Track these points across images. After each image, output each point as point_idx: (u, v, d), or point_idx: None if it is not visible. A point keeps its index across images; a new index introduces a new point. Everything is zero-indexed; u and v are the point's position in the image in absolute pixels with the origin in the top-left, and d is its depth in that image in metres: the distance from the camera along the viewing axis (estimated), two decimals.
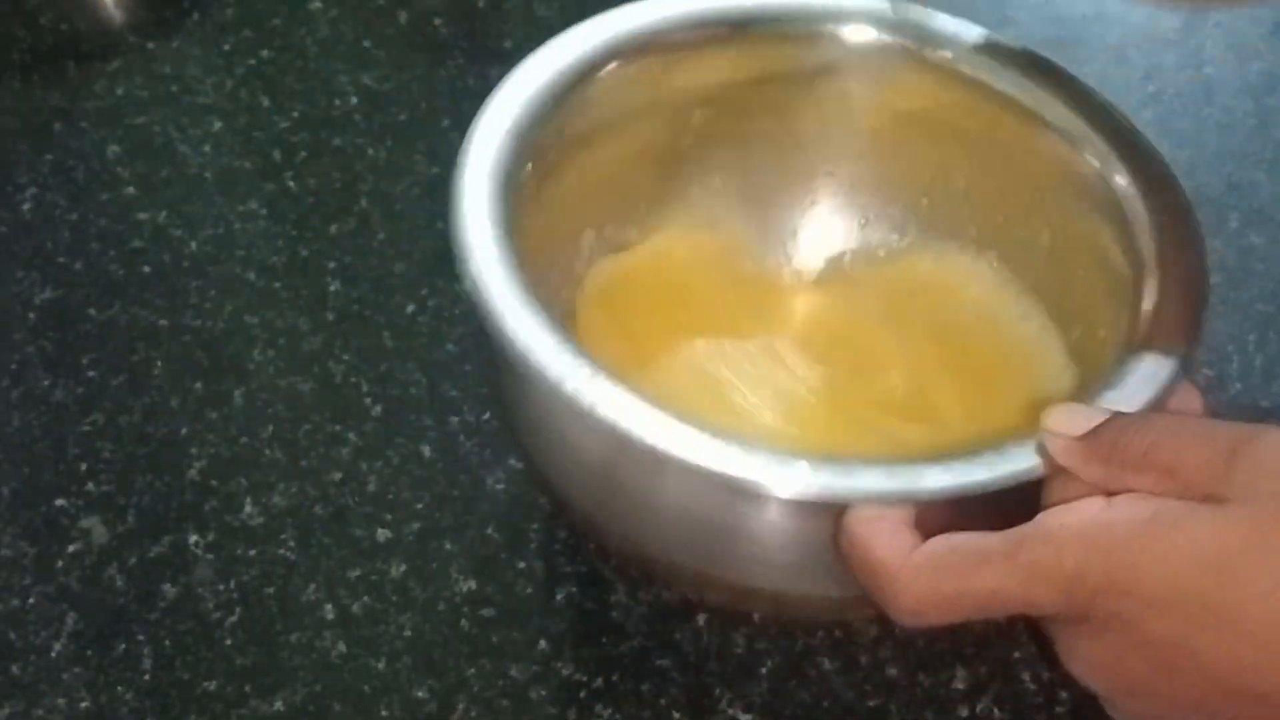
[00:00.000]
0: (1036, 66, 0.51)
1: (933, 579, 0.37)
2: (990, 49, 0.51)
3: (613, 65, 0.51)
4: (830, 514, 0.40)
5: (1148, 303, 0.44)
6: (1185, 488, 0.35)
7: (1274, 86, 0.64)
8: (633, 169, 0.54)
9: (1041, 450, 0.39)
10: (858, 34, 0.52)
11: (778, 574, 0.44)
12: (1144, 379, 0.41)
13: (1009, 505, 0.39)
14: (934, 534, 0.38)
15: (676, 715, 0.49)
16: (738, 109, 0.54)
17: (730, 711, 0.49)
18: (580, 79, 0.50)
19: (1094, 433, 0.38)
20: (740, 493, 0.40)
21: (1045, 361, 0.50)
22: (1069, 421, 0.39)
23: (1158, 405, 0.41)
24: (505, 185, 0.46)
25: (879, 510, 0.39)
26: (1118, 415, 0.39)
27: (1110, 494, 0.37)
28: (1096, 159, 0.49)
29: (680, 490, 0.41)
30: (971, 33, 0.52)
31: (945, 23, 0.52)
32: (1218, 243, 0.59)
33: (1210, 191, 0.60)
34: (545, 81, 0.49)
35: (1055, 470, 0.39)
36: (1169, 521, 0.35)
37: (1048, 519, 0.37)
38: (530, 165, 0.48)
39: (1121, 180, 0.48)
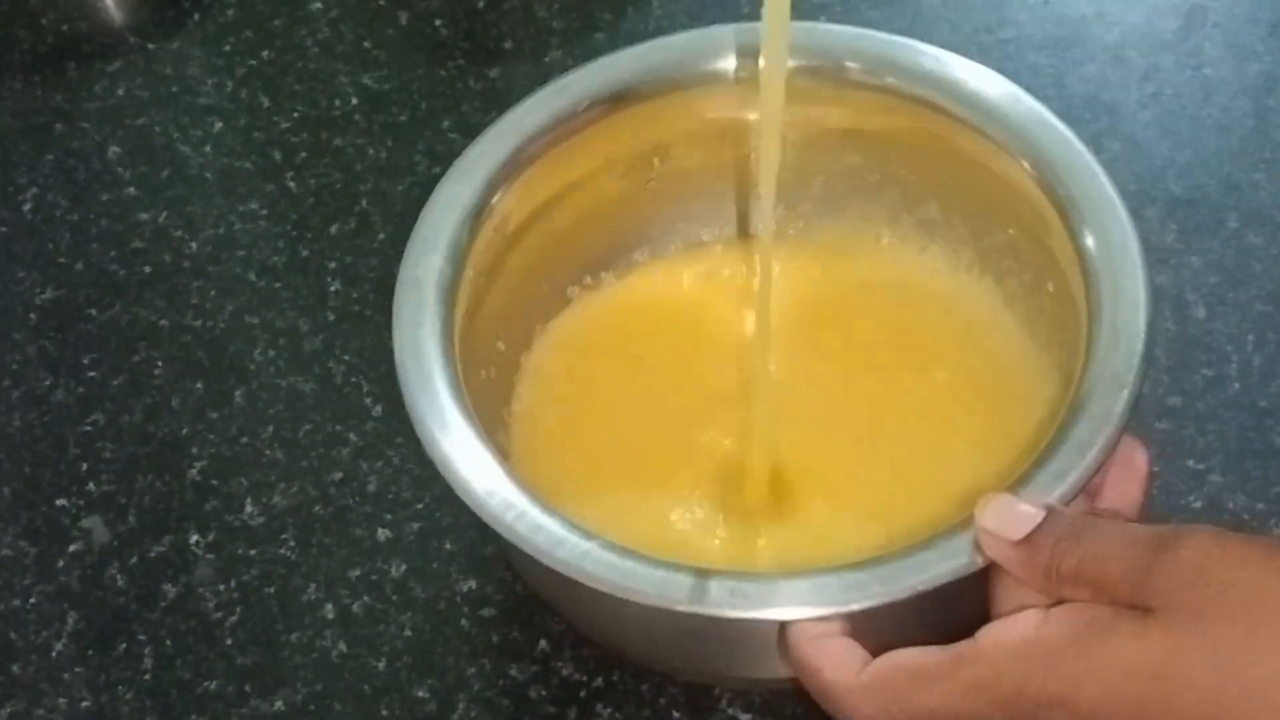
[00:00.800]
0: (1002, 95, 0.50)
1: (881, 700, 0.38)
2: (953, 75, 0.50)
3: (562, 131, 0.51)
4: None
5: (1090, 361, 0.43)
6: (1115, 599, 0.36)
7: (1273, 87, 0.64)
8: (594, 226, 0.54)
9: (978, 548, 0.39)
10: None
11: (740, 664, 0.45)
12: (1078, 448, 0.41)
13: (950, 596, 0.39)
14: (875, 631, 0.39)
15: (676, 715, 0.49)
16: (698, 151, 0.54)
17: (730, 711, 0.49)
18: (531, 156, 0.50)
19: (1030, 541, 0.38)
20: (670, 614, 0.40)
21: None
22: (1003, 523, 0.39)
23: (1096, 471, 0.41)
24: (449, 297, 0.47)
25: (821, 627, 0.39)
26: (1053, 517, 0.39)
27: (1051, 599, 0.38)
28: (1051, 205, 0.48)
29: (624, 609, 0.41)
30: (940, 62, 0.51)
31: (904, 51, 0.51)
32: (1216, 243, 0.59)
33: (1209, 192, 0.60)
34: (496, 162, 0.50)
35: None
36: (1100, 635, 0.36)
37: (985, 637, 0.38)
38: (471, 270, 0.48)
39: (1071, 233, 0.47)
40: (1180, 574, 0.35)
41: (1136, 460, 0.43)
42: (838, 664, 0.39)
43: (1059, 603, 0.37)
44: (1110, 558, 0.37)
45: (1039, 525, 0.38)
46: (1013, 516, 0.39)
